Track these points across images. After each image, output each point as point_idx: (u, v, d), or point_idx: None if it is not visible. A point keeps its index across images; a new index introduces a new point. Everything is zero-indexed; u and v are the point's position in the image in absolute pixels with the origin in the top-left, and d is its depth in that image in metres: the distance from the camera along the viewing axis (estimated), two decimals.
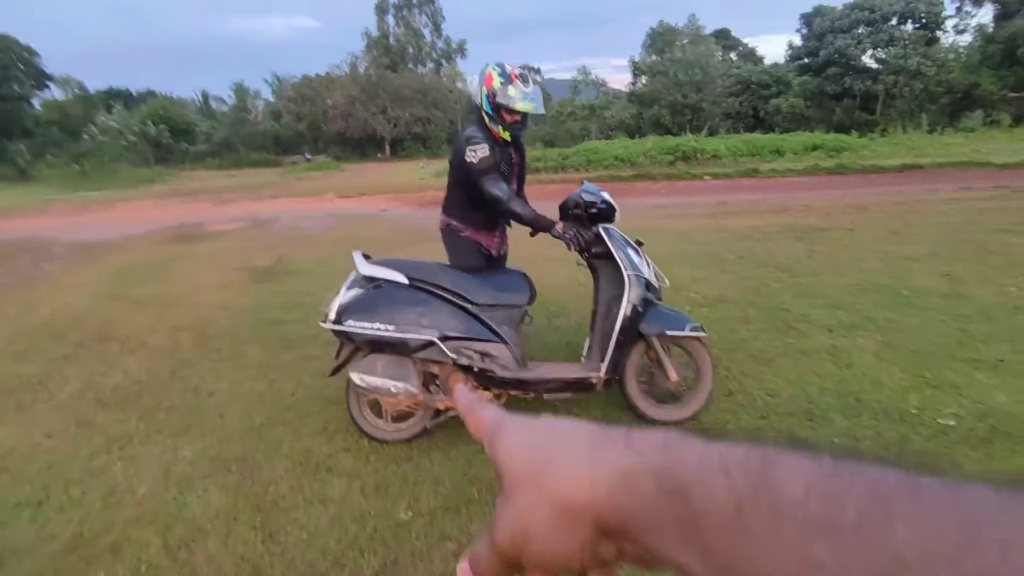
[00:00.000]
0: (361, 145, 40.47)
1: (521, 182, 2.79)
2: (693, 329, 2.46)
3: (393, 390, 2.31)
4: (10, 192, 20.99)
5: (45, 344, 3.99)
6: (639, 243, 2.59)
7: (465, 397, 0.38)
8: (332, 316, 2.34)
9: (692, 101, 31.72)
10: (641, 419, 2.55)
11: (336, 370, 2.49)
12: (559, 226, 2.45)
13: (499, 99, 2.43)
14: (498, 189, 2.43)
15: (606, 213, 2.46)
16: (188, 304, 4.87)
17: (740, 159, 16.50)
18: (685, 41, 34.14)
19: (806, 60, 31.69)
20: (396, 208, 11.72)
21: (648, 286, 2.42)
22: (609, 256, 2.42)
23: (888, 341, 3.35)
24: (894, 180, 12.21)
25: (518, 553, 0.29)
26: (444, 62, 46.74)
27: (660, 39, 34.78)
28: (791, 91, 32.45)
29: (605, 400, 2.73)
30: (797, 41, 33.60)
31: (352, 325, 2.30)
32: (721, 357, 3.21)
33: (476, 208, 2.61)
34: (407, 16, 45.64)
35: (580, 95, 41.13)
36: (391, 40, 44.72)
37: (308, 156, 37.46)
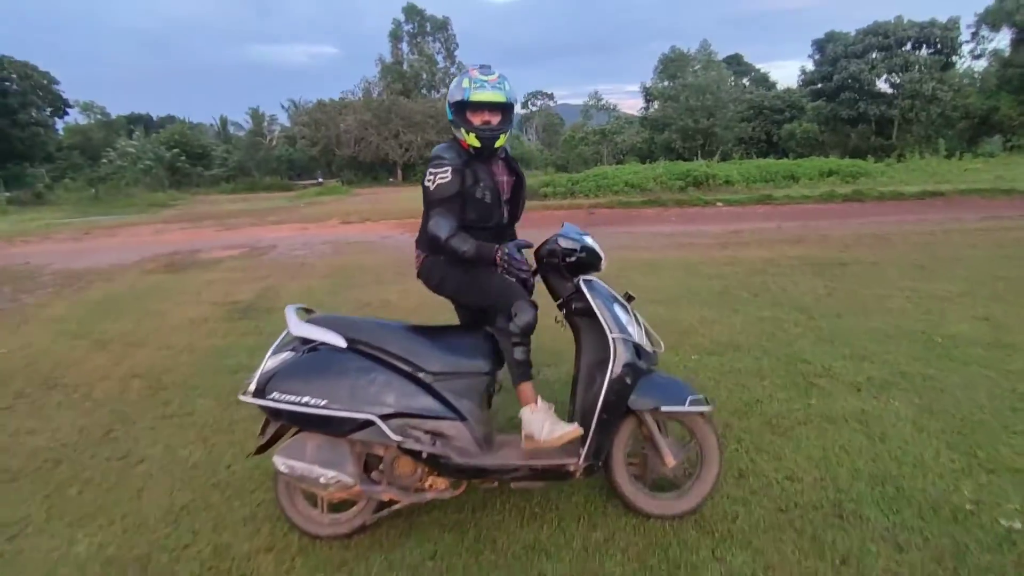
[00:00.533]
0: (373, 169, 40.73)
1: (515, 210, 2.34)
2: (694, 402, 2.02)
3: (323, 480, 1.89)
4: (21, 216, 21.12)
5: None
6: (629, 297, 2.17)
7: None
8: (253, 387, 1.94)
9: (704, 126, 31.46)
10: (631, 510, 2.10)
11: (260, 450, 2.08)
12: (500, 251, 1.97)
13: (455, 97, 2.07)
14: (439, 227, 2.00)
15: (588, 262, 2.05)
16: (153, 345, 4.51)
17: (753, 185, 16.08)
18: (697, 66, 34.02)
19: (819, 85, 31.42)
20: (398, 235, 11.40)
21: (639, 351, 1.99)
22: (592, 314, 2.01)
23: (927, 405, 2.87)
24: (915, 208, 11.69)
25: None
26: None
27: (672, 65, 34.71)
28: (804, 116, 32.14)
29: (588, 483, 2.28)
30: (810, 66, 33.38)
31: (277, 398, 1.89)
32: (731, 424, 2.76)
33: None
34: (421, 43, 46.30)
35: (592, 120, 41.16)
36: (405, 67, 45.29)
37: (320, 180, 37.74)
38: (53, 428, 3.07)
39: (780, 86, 40.42)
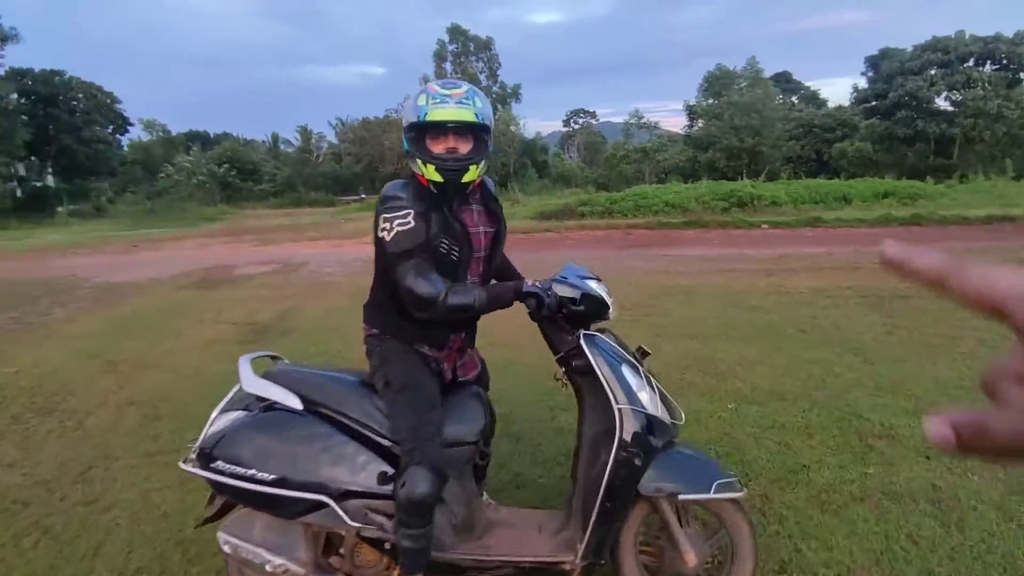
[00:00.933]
0: None
1: (491, 267, 1.83)
2: (723, 487, 1.64)
3: (268, 568, 1.60)
4: (81, 228, 22.18)
5: None
6: (643, 353, 1.81)
7: (927, 259, 0.28)
8: (194, 454, 1.69)
9: (749, 145, 30.57)
10: None
11: (206, 522, 1.82)
12: (529, 281, 1.61)
13: (410, 118, 1.61)
14: (425, 284, 1.53)
15: (592, 313, 1.70)
16: (161, 367, 4.39)
17: (802, 206, 15.30)
18: (743, 84, 33.22)
19: (873, 103, 30.15)
20: None
21: (652, 425, 1.64)
22: (595, 373, 1.66)
23: (1017, 484, 2.38)
24: (981, 233, 10.79)
25: None
26: (499, 106, 47.67)
27: (717, 82, 34.02)
28: (857, 134, 30.85)
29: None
30: (862, 84, 32.13)
31: (220, 468, 1.62)
32: (772, 497, 2.35)
33: (407, 316, 1.66)
34: (464, 62, 47.07)
35: (634, 138, 40.70)
36: None
37: (363, 196, 38.53)
38: (34, 462, 2.91)
39: (831, 104, 39.11)
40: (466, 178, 1.61)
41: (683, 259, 9.06)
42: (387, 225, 1.57)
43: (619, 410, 1.59)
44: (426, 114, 1.57)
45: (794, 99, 41.77)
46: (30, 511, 2.46)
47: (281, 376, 1.77)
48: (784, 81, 43.04)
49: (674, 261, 8.86)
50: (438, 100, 1.58)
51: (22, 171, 30.80)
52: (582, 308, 1.63)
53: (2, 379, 4.22)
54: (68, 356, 4.76)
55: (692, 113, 35.30)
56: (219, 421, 1.71)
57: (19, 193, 29.92)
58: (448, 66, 46.89)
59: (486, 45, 47.07)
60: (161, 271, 9.81)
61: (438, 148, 1.61)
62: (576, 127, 57.85)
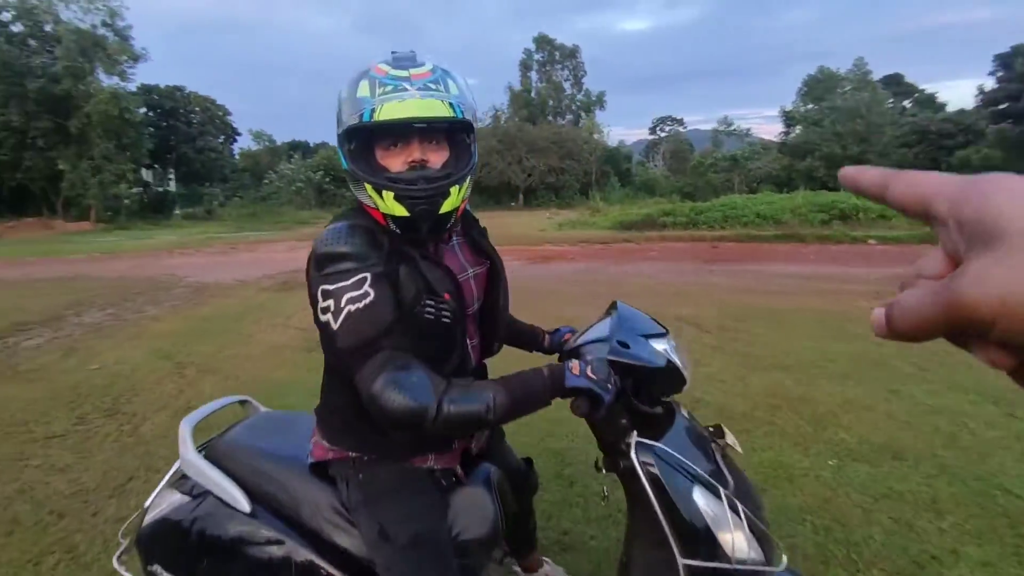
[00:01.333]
0: (496, 193, 41.79)
1: (493, 329, 1.30)
2: None
3: None
4: (190, 230, 24.15)
5: (54, 413, 3.65)
6: (719, 436, 1.24)
7: (872, 173, 0.31)
8: (120, 552, 1.45)
9: (854, 153, 28.17)
10: None
11: None
12: (574, 366, 1.01)
13: (349, 120, 1.04)
14: (403, 395, 0.94)
15: (661, 389, 1.20)
16: (223, 373, 4.41)
17: (916, 221, 13.70)
18: (848, 87, 30.76)
19: (1005, 105, 26.94)
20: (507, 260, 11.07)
21: None
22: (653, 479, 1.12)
23: None
24: None
25: (995, 320, 0.22)
26: (583, 114, 47.25)
27: (819, 86, 31.78)
28: (984, 140, 27.63)
29: None
30: (990, 84, 28.83)
31: (158, 573, 1.35)
32: None
33: (380, 428, 1.10)
34: (550, 71, 47.20)
35: (722, 146, 38.89)
36: (533, 94, 46.44)
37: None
38: (83, 468, 2.90)
39: (950, 108, 35.42)
40: (445, 207, 1.05)
41: (775, 276, 8.27)
42: (330, 303, 0.99)
43: (682, 567, 1.07)
44: (374, 111, 1.01)
45: (906, 103, 38.22)
46: (61, 525, 2.40)
47: (227, 456, 1.43)
48: (895, 84, 39.54)
49: (763, 278, 8.09)
50: (390, 88, 1.01)
51: (149, 177, 34.26)
52: (659, 411, 1.18)
53: (82, 376, 4.40)
54: (145, 356, 4.93)
55: (789, 119, 33.23)
56: (160, 503, 1.42)
57: (144, 198, 33.26)
58: (533, 75, 47.21)
59: (572, 53, 46.93)
60: (248, 273, 10.27)
61: (396, 163, 1.06)
62: (663, 135, 56.20)
